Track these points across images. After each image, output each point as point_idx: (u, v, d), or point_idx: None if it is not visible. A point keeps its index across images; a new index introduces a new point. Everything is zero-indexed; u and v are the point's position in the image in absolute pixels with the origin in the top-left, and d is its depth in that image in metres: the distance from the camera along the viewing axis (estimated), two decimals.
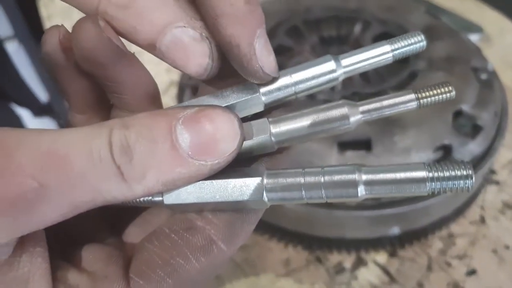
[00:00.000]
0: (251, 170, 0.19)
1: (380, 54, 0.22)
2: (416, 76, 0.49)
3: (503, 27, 0.72)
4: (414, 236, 0.46)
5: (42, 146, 0.16)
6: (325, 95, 0.48)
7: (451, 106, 0.45)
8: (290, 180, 0.18)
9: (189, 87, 0.53)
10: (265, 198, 0.19)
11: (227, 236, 0.19)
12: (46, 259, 0.17)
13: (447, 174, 0.17)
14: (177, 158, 0.17)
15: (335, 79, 0.22)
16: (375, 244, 0.46)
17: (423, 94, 0.20)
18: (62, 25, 0.21)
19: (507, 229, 0.48)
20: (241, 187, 0.19)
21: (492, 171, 0.52)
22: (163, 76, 0.69)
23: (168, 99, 0.63)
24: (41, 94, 0.95)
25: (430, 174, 0.17)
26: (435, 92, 0.20)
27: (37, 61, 0.92)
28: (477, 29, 0.69)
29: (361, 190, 0.18)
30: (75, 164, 0.16)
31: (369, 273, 0.45)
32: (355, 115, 0.20)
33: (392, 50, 0.22)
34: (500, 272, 0.44)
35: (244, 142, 0.19)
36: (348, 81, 0.50)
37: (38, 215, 0.16)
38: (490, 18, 0.75)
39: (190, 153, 0.17)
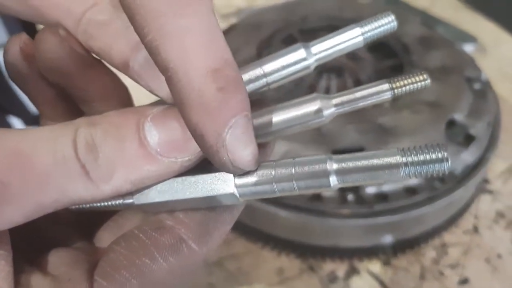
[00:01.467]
0: None
1: (351, 38, 0.21)
2: None
3: (498, 38, 0.73)
4: (407, 245, 0.46)
5: (7, 145, 0.16)
6: None
7: (444, 115, 0.45)
8: (260, 173, 0.18)
9: None
10: (236, 192, 0.18)
11: (199, 236, 0.19)
12: (10, 262, 0.17)
13: (421, 158, 0.16)
14: (145, 156, 0.17)
15: (307, 67, 0.21)
16: (368, 252, 0.46)
17: (397, 84, 0.20)
18: (23, 33, 0.21)
19: (500, 239, 0.48)
20: (211, 183, 0.18)
21: (486, 181, 0.52)
22: None
23: None
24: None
25: (404, 159, 0.16)
26: (409, 81, 0.20)
27: None
28: (472, 39, 0.69)
29: (333, 180, 0.17)
30: (39, 163, 0.16)
31: (362, 282, 0.45)
32: (329, 108, 0.20)
33: (363, 33, 0.21)
34: (493, 281, 0.44)
35: None
36: (342, 87, 0.50)
37: (1, 215, 0.16)
38: (485, 28, 0.76)
39: (159, 150, 0.17)
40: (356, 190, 0.42)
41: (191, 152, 0.17)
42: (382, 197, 0.42)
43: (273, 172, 0.18)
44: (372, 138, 0.43)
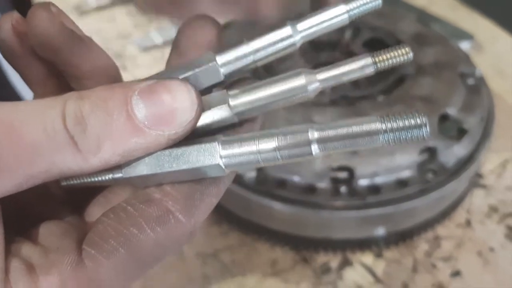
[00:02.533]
0: (208, 139, 0.19)
1: (336, 15, 0.22)
2: (404, 80, 0.50)
3: (495, 35, 0.73)
4: (400, 237, 0.46)
5: None
6: (315, 98, 0.49)
7: (437, 109, 0.46)
8: (245, 143, 0.19)
9: None
10: (221, 163, 0.19)
11: (186, 207, 0.19)
12: (0, 231, 0.18)
13: (400, 124, 0.17)
14: (133, 128, 0.17)
15: (293, 44, 0.22)
16: (361, 245, 0.46)
17: (380, 58, 0.20)
18: (15, 11, 0.22)
19: (493, 232, 0.48)
20: (198, 154, 0.19)
21: (479, 175, 0.52)
22: None
23: None
24: (27, 94, 0.96)
25: (383, 126, 0.17)
26: (392, 54, 0.20)
27: None
28: (468, 36, 0.70)
29: (315, 149, 0.18)
30: (29, 135, 0.16)
31: (355, 274, 0.45)
32: (313, 83, 0.20)
33: (348, 11, 0.22)
34: (485, 274, 0.45)
35: (203, 114, 0.20)
36: (337, 85, 0.51)
37: None
38: (482, 26, 0.76)
39: (146, 123, 0.17)
40: (349, 182, 0.43)
41: (177, 125, 0.18)
42: (374, 189, 0.43)
43: (256, 143, 0.18)
44: None
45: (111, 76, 0.23)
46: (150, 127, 0.17)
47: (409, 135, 0.17)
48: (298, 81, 0.20)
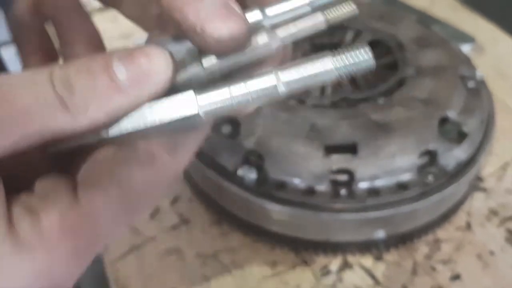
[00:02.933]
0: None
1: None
2: (404, 82, 0.50)
3: (496, 37, 0.73)
4: (400, 240, 0.46)
5: None
6: (315, 100, 0.49)
7: (437, 112, 0.46)
8: (219, 91, 0.20)
9: None
10: (200, 111, 0.20)
11: (170, 147, 0.21)
12: (1, 187, 0.20)
13: (351, 60, 0.19)
14: (116, 89, 0.19)
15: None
16: (361, 247, 0.46)
17: (330, 15, 0.22)
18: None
19: (493, 236, 0.48)
20: (176, 104, 0.20)
21: (480, 178, 0.52)
22: None
23: None
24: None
25: (336, 64, 0.19)
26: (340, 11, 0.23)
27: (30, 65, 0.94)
28: (469, 39, 0.70)
29: (282, 92, 0.20)
30: (19, 100, 0.18)
31: (354, 276, 0.45)
32: (275, 40, 0.22)
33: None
34: (484, 277, 0.45)
35: (179, 75, 0.21)
36: (337, 87, 0.51)
37: None
38: (483, 28, 0.76)
39: (127, 83, 0.19)
40: (348, 184, 0.43)
41: (155, 84, 0.20)
42: (374, 192, 0.43)
43: (229, 89, 0.20)
44: (365, 134, 0.43)
45: (99, 46, 0.27)
46: (131, 87, 0.19)
47: (358, 68, 0.19)
48: (261, 40, 0.21)
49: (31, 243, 0.19)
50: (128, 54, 0.19)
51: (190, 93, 0.20)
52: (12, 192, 0.21)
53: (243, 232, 0.49)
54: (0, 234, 0.19)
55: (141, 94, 0.19)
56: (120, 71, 0.19)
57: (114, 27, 0.85)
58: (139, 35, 0.80)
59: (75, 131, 0.19)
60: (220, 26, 0.19)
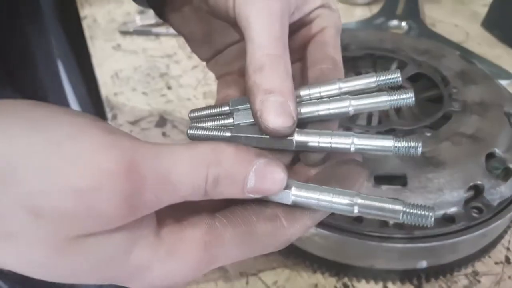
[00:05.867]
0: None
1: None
2: (450, 117, 0.51)
3: None
4: (440, 271, 0.47)
5: (160, 170, 0.23)
6: (362, 129, 0.50)
7: (484, 148, 0.47)
8: (309, 192, 0.26)
9: None
10: (291, 199, 0.26)
11: (289, 217, 0.26)
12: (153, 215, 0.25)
13: (416, 211, 0.25)
14: (242, 192, 0.25)
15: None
16: (402, 276, 0.47)
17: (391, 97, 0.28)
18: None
19: None
20: (281, 194, 0.27)
21: None
22: (200, 100, 0.72)
23: None
24: (75, 106, 0.99)
25: (402, 212, 0.25)
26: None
27: (73, 78, 0.97)
28: (507, 75, 0.71)
29: (356, 211, 0.26)
30: (181, 191, 0.24)
31: None
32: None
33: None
34: None
35: None
36: (385, 117, 0.53)
37: (148, 208, 0.23)
38: None
39: (249, 190, 0.25)
40: None
41: (268, 194, 0.26)
42: None
43: (317, 195, 0.26)
44: (414, 166, 0.45)
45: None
46: (249, 192, 0.25)
47: (418, 221, 0.25)
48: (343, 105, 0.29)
49: (178, 249, 0.25)
50: (262, 169, 0.25)
51: (287, 193, 0.26)
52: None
53: (285, 255, 0.50)
54: (155, 246, 0.24)
55: (251, 197, 0.25)
56: (250, 181, 0.25)
57: (158, 47, 0.88)
58: (180, 55, 0.82)
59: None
60: (273, 119, 0.26)
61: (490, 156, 0.47)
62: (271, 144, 0.28)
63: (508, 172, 0.47)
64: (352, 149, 0.27)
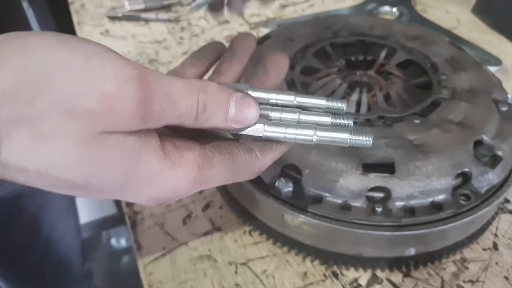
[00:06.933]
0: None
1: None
2: (439, 104, 0.51)
3: None
4: (429, 258, 0.47)
5: (164, 88, 0.28)
6: (351, 116, 0.50)
7: (473, 135, 0.47)
8: (278, 127, 0.33)
9: None
10: (263, 134, 0.33)
11: (261, 150, 0.34)
12: (155, 133, 0.30)
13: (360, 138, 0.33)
14: (225, 120, 0.31)
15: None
16: (391, 263, 0.47)
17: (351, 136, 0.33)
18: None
19: None
20: (255, 128, 0.33)
21: (507, 201, 0.53)
22: None
23: None
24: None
25: (351, 137, 0.32)
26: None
27: None
28: (497, 62, 0.71)
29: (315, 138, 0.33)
30: (179, 108, 0.29)
31: None
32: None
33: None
34: None
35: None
36: (373, 105, 0.52)
37: (155, 123, 0.28)
38: (509, 51, 0.77)
39: (231, 119, 0.31)
40: (384, 202, 0.44)
41: (245, 125, 0.33)
42: (409, 211, 0.44)
43: (284, 129, 0.33)
44: (402, 154, 0.45)
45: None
46: (231, 122, 0.32)
47: (363, 144, 0.33)
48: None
49: (178, 165, 0.30)
50: (240, 100, 0.32)
51: (261, 126, 0.33)
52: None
53: (274, 243, 0.50)
54: (160, 157, 0.29)
55: (235, 128, 0.32)
56: (232, 111, 0.31)
57: (147, 32, 0.86)
58: (170, 41, 0.81)
59: (189, 126, 0.31)
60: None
61: (478, 143, 0.47)
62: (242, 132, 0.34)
63: (496, 159, 0.47)
64: (315, 139, 0.33)
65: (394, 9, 0.88)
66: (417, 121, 0.48)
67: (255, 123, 0.33)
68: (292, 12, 0.91)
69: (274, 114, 0.34)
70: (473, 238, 0.49)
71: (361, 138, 0.32)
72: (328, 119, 0.34)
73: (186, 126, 0.30)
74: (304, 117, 0.34)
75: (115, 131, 0.26)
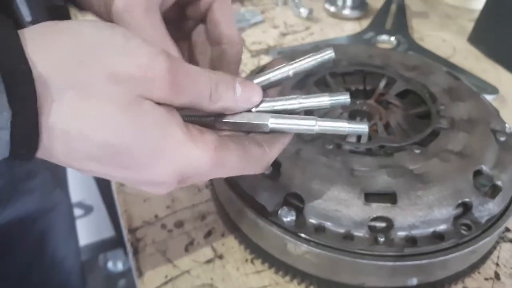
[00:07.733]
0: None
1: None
2: (438, 133, 0.52)
3: None
4: None
5: (183, 63, 0.33)
6: (351, 145, 0.51)
7: (472, 165, 0.48)
8: (283, 119, 0.36)
9: None
10: (269, 124, 0.36)
11: (268, 143, 0.37)
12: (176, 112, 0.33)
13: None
14: (234, 98, 0.35)
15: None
16: None
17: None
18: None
19: None
20: (259, 117, 0.36)
21: (507, 229, 0.54)
22: None
23: None
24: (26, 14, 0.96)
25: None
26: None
27: None
28: (493, 90, 0.72)
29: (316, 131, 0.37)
30: (197, 85, 0.34)
31: None
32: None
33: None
34: None
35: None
36: (374, 134, 0.53)
37: (179, 97, 0.32)
38: (505, 79, 0.79)
39: (239, 98, 0.35)
40: (386, 232, 0.44)
41: (250, 104, 0.36)
42: (411, 240, 0.44)
43: (289, 121, 0.36)
44: (404, 184, 0.45)
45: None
46: (239, 101, 0.35)
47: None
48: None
49: (199, 140, 0.33)
50: (243, 82, 0.35)
51: (267, 115, 0.36)
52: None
53: (276, 271, 0.50)
54: (184, 130, 0.32)
55: (242, 107, 0.36)
56: (238, 90, 0.35)
57: None
58: None
59: (211, 111, 0.35)
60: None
61: (478, 173, 0.48)
62: (249, 126, 0.37)
63: (495, 189, 0.47)
64: (316, 128, 0.36)
65: (392, 38, 0.90)
66: (417, 151, 0.49)
67: (260, 112, 0.36)
68: (292, 40, 0.93)
69: (277, 103, 0.37)
70: (474, 267, 0.50)
71: (357, 126, 0.36)
72: (326, 98, 0.36)
73: (202, 107, 0.34)
74: (304, 101, 0.37)
75: (148, 97, 0.31)
